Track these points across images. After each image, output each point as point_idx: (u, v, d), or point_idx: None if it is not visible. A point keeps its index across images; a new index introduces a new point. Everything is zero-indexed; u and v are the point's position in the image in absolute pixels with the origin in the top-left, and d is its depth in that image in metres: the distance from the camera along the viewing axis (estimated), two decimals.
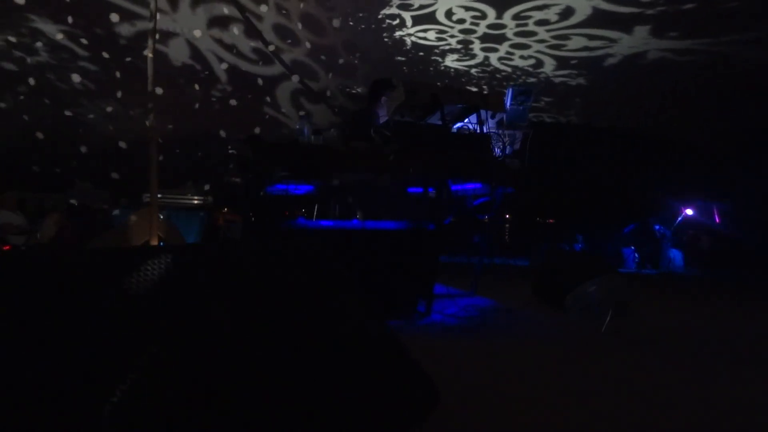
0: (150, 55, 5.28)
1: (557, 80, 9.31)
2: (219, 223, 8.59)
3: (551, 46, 8.05)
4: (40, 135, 8.65)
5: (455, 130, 4.56)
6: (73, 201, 8.14)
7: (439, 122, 4.37)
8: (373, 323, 1.67)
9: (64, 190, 8.65)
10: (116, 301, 1.24)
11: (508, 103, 4.51)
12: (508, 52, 8.36)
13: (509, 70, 9.03)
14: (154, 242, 5.16)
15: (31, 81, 8.27)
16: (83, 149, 8.86)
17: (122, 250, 1.75)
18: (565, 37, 7.76)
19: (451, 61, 8.79)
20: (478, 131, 4.36)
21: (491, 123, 4.52)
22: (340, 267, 1.76)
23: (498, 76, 9.30)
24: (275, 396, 1.29)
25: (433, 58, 8.69)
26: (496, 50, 8.30)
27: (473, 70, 9.12)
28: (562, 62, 8.60)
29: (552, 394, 2.31)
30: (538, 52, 8.28)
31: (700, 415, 2.10)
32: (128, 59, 8.09)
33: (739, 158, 10.94)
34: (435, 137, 4.22)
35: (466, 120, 4.61)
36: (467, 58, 8.61)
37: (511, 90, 4.55)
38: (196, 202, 7.96)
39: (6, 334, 1.08)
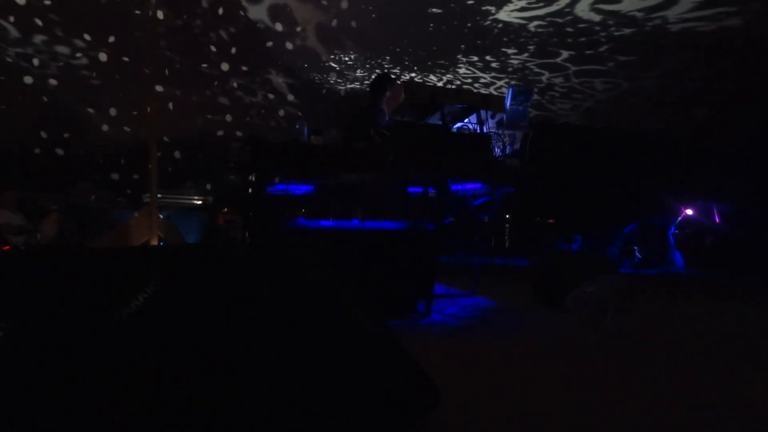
0: (147, 51, 5.33)
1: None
2: (219, 223, 8.60)
3: None
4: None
5: (455, 130, 4.57)
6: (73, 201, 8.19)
7: (439, 122, 4.36)
8: (372, 323, 1.67)
9: (64, 190, 8.66)
10: (116, 301, 1.24)
11: (507, 103, 4.51)
12: None
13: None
14: (154, 242, 5.18)
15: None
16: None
17: (122, 250, 1.75)
18: None
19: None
20: (478, 131, 4.36)
21: (491, 123, 4.52)
22: (339, 267, 1.76)
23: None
24: (275, 396, 1.29)
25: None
26: None
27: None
28: None
29: (552, 394, 2.30)
30: None
31: (700, 415, 2.10)
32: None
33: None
34: (435, 137, 4.22)
35: (466, 120, 4.61)
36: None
37: (511, 90, 4.56)
38: (196, 202, 7.98)
39: (6, 333, 1.08)
